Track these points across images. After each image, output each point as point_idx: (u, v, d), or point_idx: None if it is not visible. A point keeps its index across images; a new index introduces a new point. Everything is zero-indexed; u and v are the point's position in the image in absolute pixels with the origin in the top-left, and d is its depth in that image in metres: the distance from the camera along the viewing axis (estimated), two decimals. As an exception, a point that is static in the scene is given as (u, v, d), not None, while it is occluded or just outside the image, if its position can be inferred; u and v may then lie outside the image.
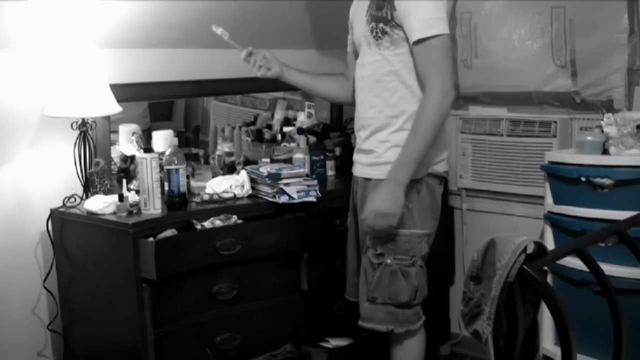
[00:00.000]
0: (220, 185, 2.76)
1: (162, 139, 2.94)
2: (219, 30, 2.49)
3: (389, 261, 2.30)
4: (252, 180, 2.81)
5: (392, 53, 2.29)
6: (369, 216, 2.26)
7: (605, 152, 2.67)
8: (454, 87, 2.29)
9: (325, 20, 3.34)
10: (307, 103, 3.51)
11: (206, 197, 2.71)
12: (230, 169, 3.11)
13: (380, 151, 2.34)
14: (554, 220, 2.80)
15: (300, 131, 3.29)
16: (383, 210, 2.23)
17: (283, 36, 3.34)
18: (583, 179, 2.66)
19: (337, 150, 3.33)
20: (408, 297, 2.32)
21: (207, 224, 2.57)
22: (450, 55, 2.27)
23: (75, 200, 2.66)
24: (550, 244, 2.80)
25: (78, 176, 2.69)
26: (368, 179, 2.39)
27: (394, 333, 2.35)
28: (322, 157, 3.18)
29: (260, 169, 2.81)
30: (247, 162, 3.13)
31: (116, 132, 2.95)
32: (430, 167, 2.34)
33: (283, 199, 2.70)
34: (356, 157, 2.47)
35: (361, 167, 2.43)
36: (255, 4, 3.10)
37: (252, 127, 3.45)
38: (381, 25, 2.28)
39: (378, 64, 2.32)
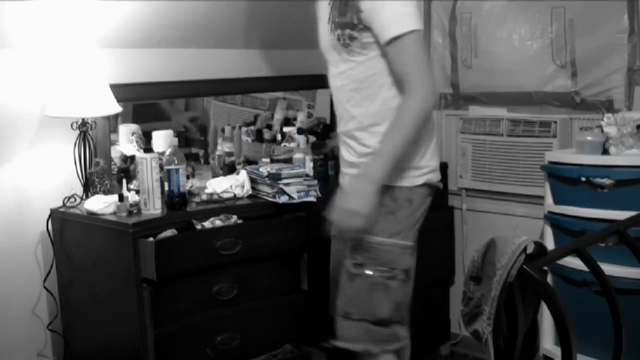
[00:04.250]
0: (220, 185, 2.76)
1: (162, 139, 2.94)
2: None
3: (368, 272, 2.12)
4: (252, 180, 2.81)
5: (365, 57, 2.13)
6: (337, 214, 2.06)
7: (605, 152, 2.68)
8: (435, 86, 2.16)
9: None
10: (307, 103, 3.51)
11: (206, 197, 2.71)
12: (230, 169, 3.11)
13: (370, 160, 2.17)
14: (554, 220, 2.81)
15: (300, 131, 3.29)
16: (350, 207, 2.03)
17: (285, 36, 3.34)
18: (583, 179, 2.66)
19: (338, 150, 3.33)
20: (386, 313, 2.13)
21: (207, 224, 2.57)
22: (426, 52, 2.11)
23: (75, 200, 2.67)
24: (550, 244, 2.80)
25: (78, 176, 2.69)
26: None
27: (369, 353, 2.16)
28: (322, 156, 3.19)
29: (260, 169, 2.81)
30: (247, 162, 3.13)
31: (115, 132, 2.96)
32: (427, 176, 2.20)
33: (283, 199, 2.70)
34: (346, 170, 2.31)
35: (351, 179, 2.24)
36: (255, 4, 3.10)
37: (252, 127, 3.46)
38: (347, 31, 2.11)
39: (352, 72, 2.16)
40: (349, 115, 2.21)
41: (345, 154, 2.29)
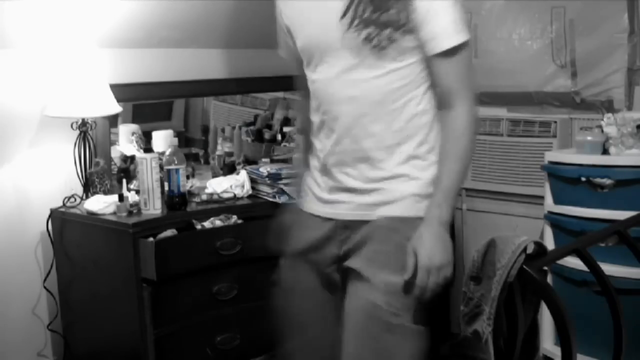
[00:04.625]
0: (220, 185, 2.76)
1: (162, 139, 2.94)
2: None
3: (409, 321, 1.78)
4: (252, 180, 2.81)
5: (400, 65, 1.76)
6: (425, 276, 1.68)
7: (605, 152, 2.67)
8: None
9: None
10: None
11: (206, 197, 2.71)
12: (230, 169, 3.11)
13: (390, 186, 1.78)
14: (554, 220, 2.80)
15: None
16: (436, 263, 1.67)
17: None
18: (583, 179, 2.66)
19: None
20: None
21: (207, 224, 2.57)
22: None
23: (75, 200, 2.66)
24: (550, 244, 2.80)
25: (78, 176, 2.69)
26: (365, 221, 1.80)
27: None
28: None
29: (260, 169, 2.81)
30: (247, 162, 3.13)
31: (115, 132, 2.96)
32: None
33: (283, 199, 2.70)
34: (339, 196, 1.85)
35: (356, 208, 1.82)
36: (256, 3, 3.10)
37: (252, 127, 3.46)
38: (388, 31, 1.72)
39: (379, 81, 1.77)
40: (364, 132, 1.79)
41: (343, 178, 1.84)
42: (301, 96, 2.03)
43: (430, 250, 1.68)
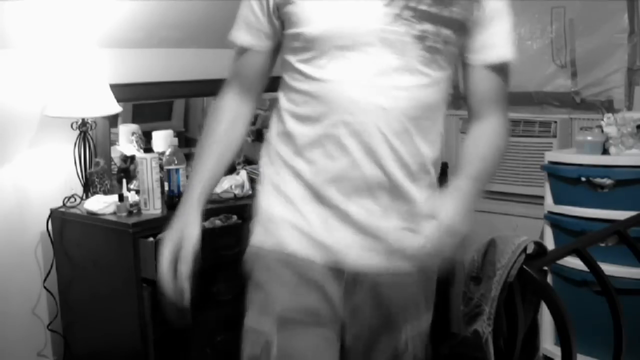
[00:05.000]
0: (220, 185, 2.76)
1: (162, 139, 2.94)
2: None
3: (424, 337, 1.72)
4: (252, 180, 2.81)
5: (443, 75, 1.45)
6: (440, 235, 1.30)
7: (605, 152, 2.68)
8: None
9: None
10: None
11: (206, 197, 2.71)
12: (230, 169, 3.11)
13: (413, 226, 1.37)
14: (554, 220, 2.80)
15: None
16: (459, 229, 1.32)
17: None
18: (583, 179, 2.66)
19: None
20: None
21: (207, 224, 2.57)
22: None
23: (75, 200, 2.67)
24: (550, 244, 2.80)
25: (78, 176, 2.69)
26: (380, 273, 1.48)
27: None
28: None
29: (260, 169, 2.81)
30: (247, 162, 3.13)
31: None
32: None
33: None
34: (348, 236, 1.47)
35: (374, 255, 1.46)
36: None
37: (252, 127, 3.45)
38: (447, 32, 1.40)
39: (422, 92, 1.43)
40: (390, 153, 1.42)
41: (356, 211, 1.45)
42: (238, 98, 1.73)
43: (456, 214, 1.32)
